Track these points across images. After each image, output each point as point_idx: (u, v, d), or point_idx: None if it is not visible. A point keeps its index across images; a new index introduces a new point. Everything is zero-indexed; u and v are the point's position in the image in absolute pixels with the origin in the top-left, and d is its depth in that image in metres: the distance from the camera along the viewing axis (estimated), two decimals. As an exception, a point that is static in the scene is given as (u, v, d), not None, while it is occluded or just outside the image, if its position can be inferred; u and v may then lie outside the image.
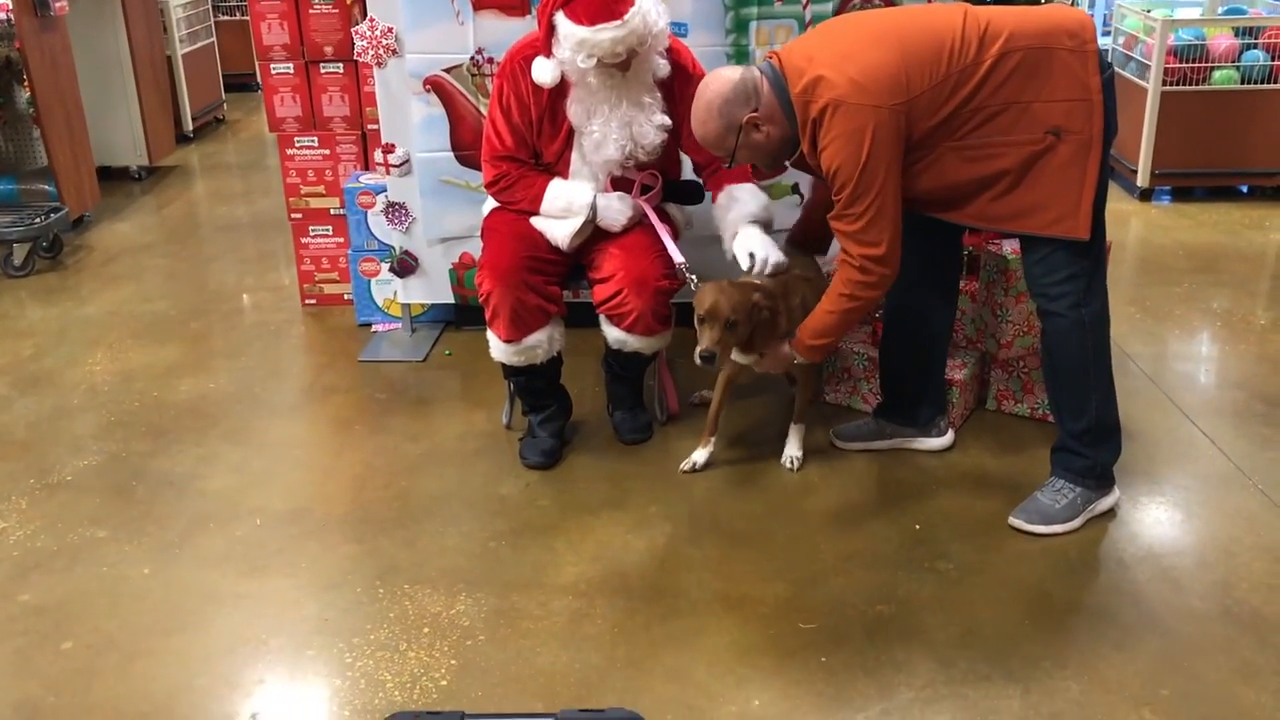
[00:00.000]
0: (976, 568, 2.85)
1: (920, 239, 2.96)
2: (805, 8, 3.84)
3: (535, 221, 3.25)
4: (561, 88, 3.14)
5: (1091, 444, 2.99)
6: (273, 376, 4.06)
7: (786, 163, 2.99)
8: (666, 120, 3.17)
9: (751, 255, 3.15)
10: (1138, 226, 5.57)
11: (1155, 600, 2.71)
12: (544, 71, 3.10)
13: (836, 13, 3.83)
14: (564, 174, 3.27)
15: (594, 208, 3.22)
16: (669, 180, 3.39)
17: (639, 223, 3.27)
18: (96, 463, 3.44)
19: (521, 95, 3.19)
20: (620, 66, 3.04)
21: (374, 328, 4.41)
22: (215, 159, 7.33)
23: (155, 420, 3.71)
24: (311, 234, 4.55)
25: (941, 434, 3.37)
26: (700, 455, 3.29)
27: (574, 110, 3.15)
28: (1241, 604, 2.69)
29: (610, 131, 3.13)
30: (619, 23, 2.92)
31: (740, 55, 3.85)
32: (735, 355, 3.14)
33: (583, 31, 2.93)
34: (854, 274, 2.83)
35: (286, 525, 3.10)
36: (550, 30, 3.03)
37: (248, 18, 8.62)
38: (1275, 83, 5.62)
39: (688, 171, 3.47)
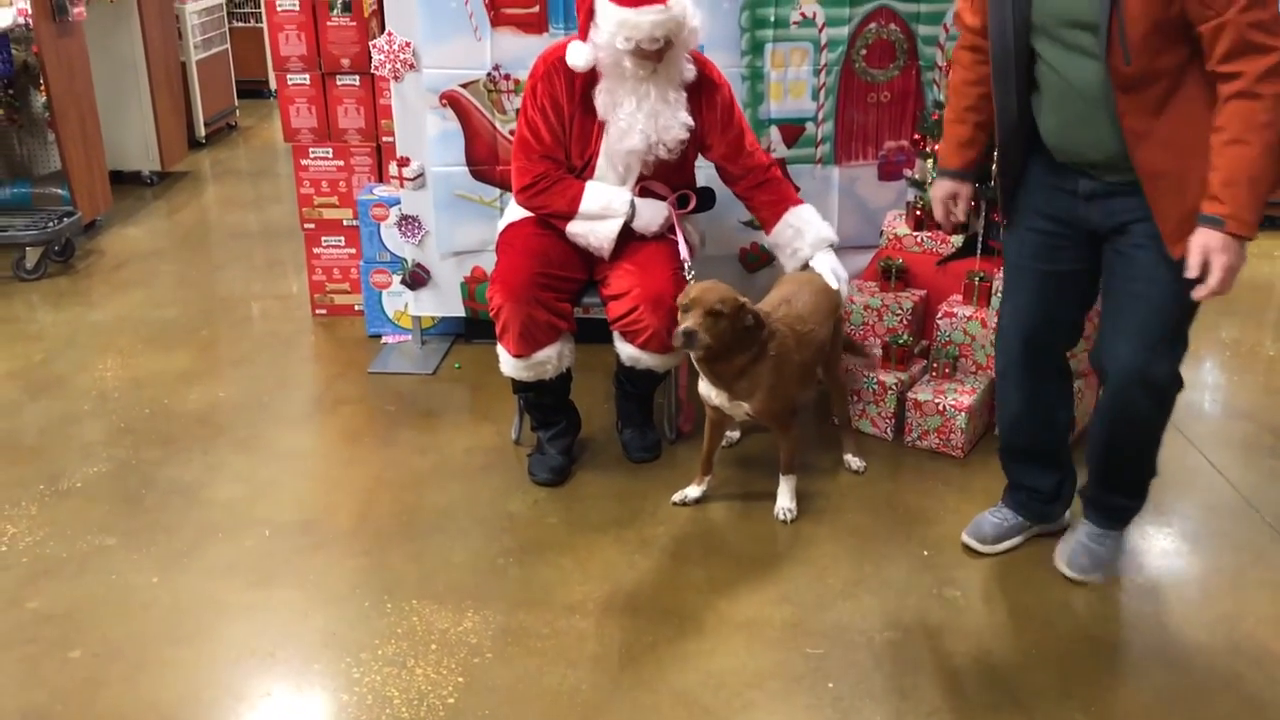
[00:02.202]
0: (984, 595, 2.85)
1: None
2: (821, 31, 3.85)
3: (573, 226, 3.26)
4: (591, 84, 3.18)
5: (1141, 495, 2.90)
6: (282, 386, 4.07)
7: None
8: (690, 120, 3.20)
9: (836, 276, 3.30)
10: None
11: (1161, 633, 2.71)
12: (579, 55, 3.13)
13: (852, 37, 3.86)
14: (590, 179, 3.31)
15: (633, 207, 3.24)
16: (685, 191, 3.41)
17: (664, 234, 3.30)
18: (106, 470, 3.45)
19: (557, 96, 3.21)
20: (655, 56, 3.07)
21: (384, 339, 4.42)
22: (227, 165, 7.36)
23: (165, 428, 3.72)
24: (324, 244, 4.57)
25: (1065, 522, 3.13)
26: (694, 491, 3.27)
27: (601, 100, 3.18)
28: (1249, 638, 2.69)
29: (636, 122, 3.15)
30: (662, 7, 2.97)
31: (755, 77, 3.87)
32: (723, 401, 3.10)
33: (625, 13, 2.98)
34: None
35: (295, 536, 3.10)
36: (589, 15, 3.07)
37: (262, 25, 8.71)
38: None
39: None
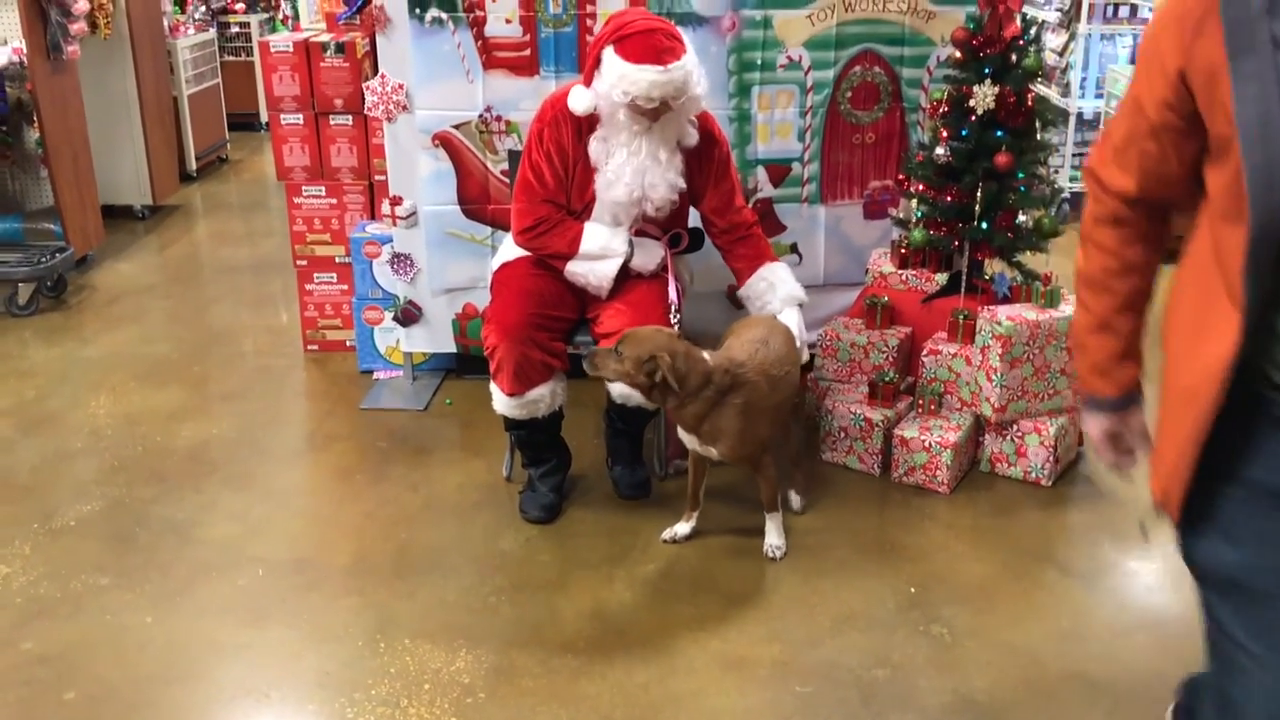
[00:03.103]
0: (971, 631, 2.89)
1: None
2: (807, 74, 3.92)
3: (572, 266, 3.31)
4: (593, 131, 3.24)
5: None
6: (274, 422, 4.10)
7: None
8: (680, 183, 3.25)
9: (800, 333, 3.34)
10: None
11: (1148, 670, 2.74)
12: (579, 100, 3.19)
13: (836, 81, 3.93)
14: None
15: (631, 246, 3.30)
16: (679, 230, 3.47)
17: (658, 274, 3.35)
18: (99, 508, 3.47)
19: (562, 142, 3.27)
20: (650, 114, 3.12)
21: (376, 375, 4.46)
22: (218, 199, 7.40)
23: (157, 465, 3.74)
24: (316, 280, 4.60)
25: None
26: (683, 528, 3.30)
27: (595, 146, 3.24)
28: (1231, 674, 2.72)
29: (623, 175, 3.21)
30: (662, 69, 3.03)
31: (742, 119, 3.94)
32: (694, 445, 3.14)
33: (627, 67, 3.03)
34: None
35: (288, 575, 3.13)
36: (596, 63, 3.13)
37: (253, 58, 8.79)
38: None
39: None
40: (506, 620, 2.93)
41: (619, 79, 3.05)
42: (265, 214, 7.00)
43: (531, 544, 3.29)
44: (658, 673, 2.72)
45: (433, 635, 2.86)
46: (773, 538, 3.23)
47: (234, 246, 6.33)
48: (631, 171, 3.20)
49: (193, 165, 7.58)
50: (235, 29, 8.87)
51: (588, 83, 3.19)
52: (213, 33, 8.13)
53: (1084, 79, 6.51)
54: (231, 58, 8.82)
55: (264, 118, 9.00)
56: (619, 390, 3.28)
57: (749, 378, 3.05)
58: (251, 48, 8.89)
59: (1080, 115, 6.52)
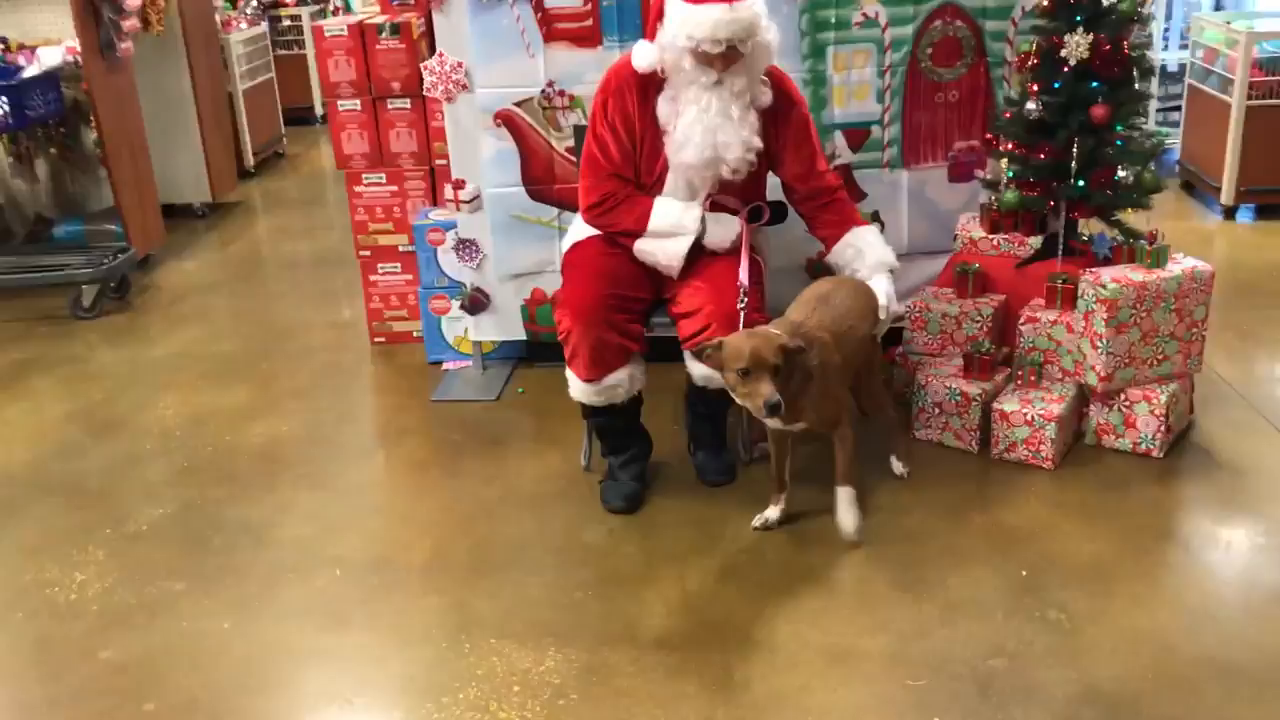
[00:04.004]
0: (1091, 616, 2.70)
1: None
2: (884, 31, 3.72)
3: (641, 243, 3.16)
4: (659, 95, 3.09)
5: None
6: (345, 418, 4.00)
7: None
8: (756, 141, 3.08)
9: (889, 298, 3.18)
10: (1223, 246, 5.38)
11: (1288, 652, 2.54)
12: (643, 56, 3.06)
13: (917, 36, 3.72)
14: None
15: (704, 224, 3.13)
16: (759, 204, 3.29)
17: (736, 249, 3.17)
18: (171, 511, 3.38)
19: (627, 112, 3.12)
20: (719, 63, 2.96)
21: (445, 365, 4.34)
22: (277, 194, 7.34)
23: (228, 465, 3.66)
24: (380, 271, 4.50)
25: None
26: (773, 513, 3.14)
27: (664, 107, 3.09)
28: (1383, 656, 2.52)
29: (694, 135, 3.04)
30: (728, 7, 2.87)
31: (818, 81, 3.75)
32: (778, 423, 2.98)
33: (690, 9, 2.89)
34: None
35: (366, 575, 3.02)
36: (659, 15, 2.99)
37: (306, 51, 8.74)
38: (1365, 94, 5.41)
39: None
40: (595, 616, 2.80)
41: (683, 22, 2.90)
42: (324, 208, 6.93)
43: (615, 535, 3.15)
44: (759, 669, 2.57)
45: (519, 634, 2.73)
46: (844, 513, 3.03)
47: (295, 241, 6.26)
48: (702, 130, 3.02)
49: (250, 161, 7.53)
50: (287, 22, 8.82)
51: (651, 37, 3.03)
52: (265, 27, 8.07)
53: (1166, 29, 6.21)
54: (284, 51, 8.77)
55: (319, 110, 8.96)
56: (701, 372, 3.13)
57: (813, 335, 2.91)
58: (304, 40, 8.84)
59: (1164, 68, 6.23)
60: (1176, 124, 6.20)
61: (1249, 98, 5.45)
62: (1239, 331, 4.26)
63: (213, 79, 6.80)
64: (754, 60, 3.02)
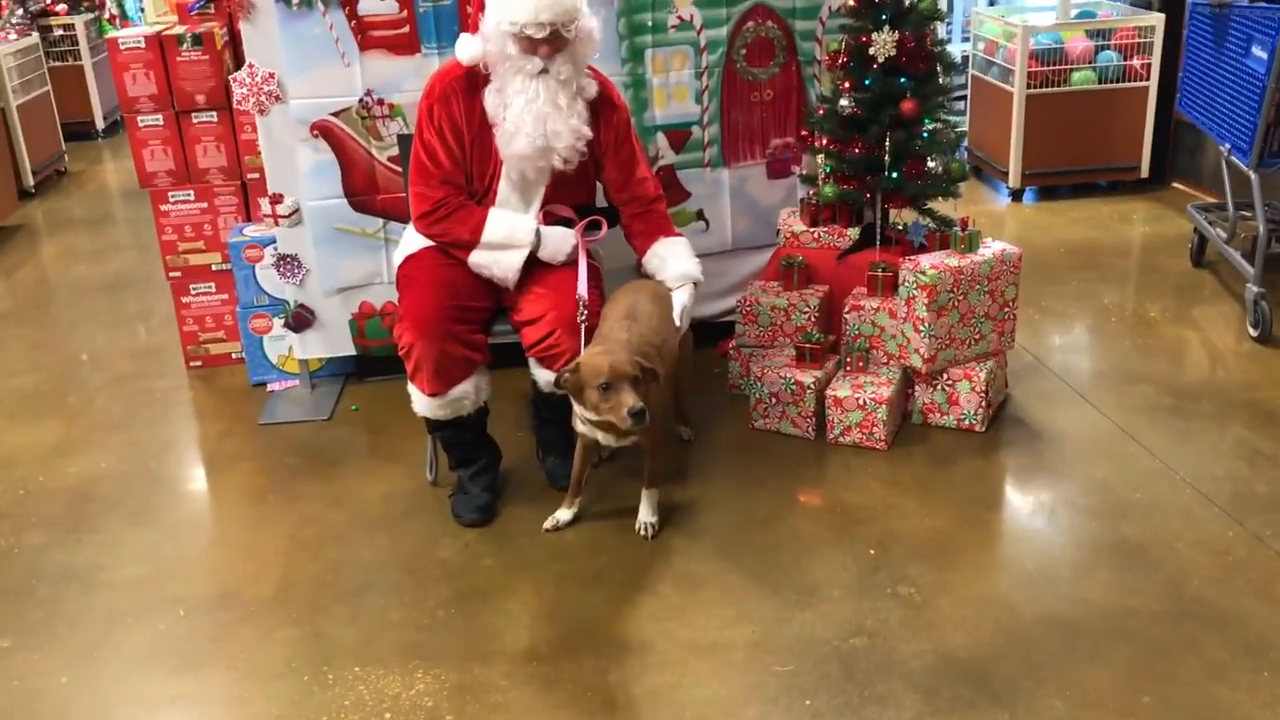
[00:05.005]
0: (939, 588, 2.84)
1: None
2: (699, 33, 3.80)
3: (475, 256, 3.12)
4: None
5: None
6: (168, 448, 3.80)
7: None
8: (586, 130, 3.08)
9: (684, 311, 3.19)
10: (1014, 226, 5.72)
11: (1115, 605, 2.74)
12: (466, 48, 3.03)
13: (731, 37, 3.82)
14: (492, 204, 3.17)
15: (538, 236, 3.11)
16: (585, 207, 3.30)
17: (573, 260, 3.17)
18: (-14, 563, 3.15)
19: (454, 117, 3.08)
20: (543, 49, 2.95)
21: (270, 387, 4.18)
22: (61, 215, 6.89)
23: (45, 508, 3.43)
24: (193, 292, 4.29)
25: None
26: (564, 514, 3.17)
27: (490, 100, 3.06)
28: (1196, 600, 2.74)
29: (524, 124, 3.01)
30: None
31: (638, 84, 3.80)
32: (610, 441, 3.00)
33: None
34: None
35: (214, 612, 2.88)
36: (480, 6, 2.97)
37: (82, 62, 8.24)
38: (1129, 81, 5.86)
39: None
40: (460, 633, 2.76)
41: (505, 7, 2.88)
42: (114, 227, 6.55)
43: (471, 549, 3.11)
44: (631, 670, 2.59)
45: (383, 659, 2.67)
46: (645, 514, 3.11)
47: (86, 264, 5.89)
48: (532, 120, 3.01)
49: (29, 181, 7.05)
50: (59, 32, 8.27)
51: (473, 30, 3.01)
52: (36, 37, 7.57)
53: (949, 24, 6.56)
54: (58, 63, 8.23)
55: (100, 124, 8.47)
56: (546, 378, 3.12)
57: (647, 351, 2.94)
58: (79, 51, 8.32)
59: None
60: (963, 113, 6.55)
61: (1028, 87, 5.81)
62: (1038, 307, 4.55)
63: (-18, 94, 6.34)
64: (578, 48, 3.02)
